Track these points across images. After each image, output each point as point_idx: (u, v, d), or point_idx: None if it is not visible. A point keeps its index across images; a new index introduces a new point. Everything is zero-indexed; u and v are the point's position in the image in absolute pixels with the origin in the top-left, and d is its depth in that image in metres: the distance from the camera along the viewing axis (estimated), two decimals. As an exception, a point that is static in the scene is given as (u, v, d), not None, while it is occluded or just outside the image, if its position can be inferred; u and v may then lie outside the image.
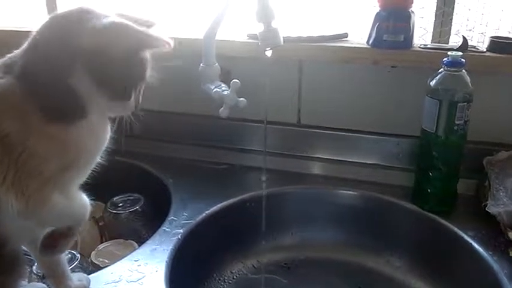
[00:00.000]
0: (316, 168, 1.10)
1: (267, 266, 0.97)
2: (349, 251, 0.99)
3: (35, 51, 0.56)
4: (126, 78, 0.59)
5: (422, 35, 1.12)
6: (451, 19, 1.07)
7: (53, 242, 0.63)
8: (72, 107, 0.56)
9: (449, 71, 0.87)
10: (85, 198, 0.63)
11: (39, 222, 0.59)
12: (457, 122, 0.87)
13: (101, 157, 0.64)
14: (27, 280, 0.75)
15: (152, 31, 0.59)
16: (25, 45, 0.58)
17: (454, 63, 0.86)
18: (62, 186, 0.58)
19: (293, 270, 0.98)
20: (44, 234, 0.63)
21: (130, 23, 0.57)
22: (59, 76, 0.55)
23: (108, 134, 0.63)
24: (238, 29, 1.09)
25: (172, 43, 0.58)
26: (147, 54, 0.60)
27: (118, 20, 0.57)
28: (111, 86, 0.57)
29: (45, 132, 0.54)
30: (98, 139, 0.61)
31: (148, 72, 0.61)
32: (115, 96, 0.59)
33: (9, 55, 0.58)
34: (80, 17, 0.56)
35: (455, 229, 0.89)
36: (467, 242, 0.86)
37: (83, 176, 0.63)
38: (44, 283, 0.75)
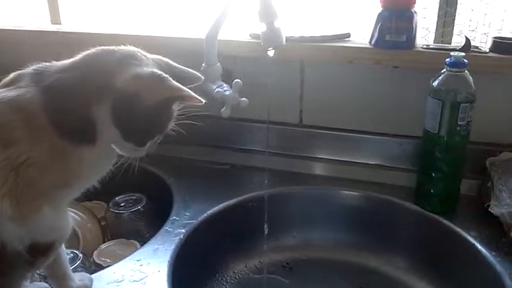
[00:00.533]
0: (318, 169, 1.10)
1: (269, 266, 0.97)
2: (351, 251, 0.99)
3: (72, 71, 0.59)
4: (147, 128, 0.60)
5: (425, 36, 1.11)
6: (454, 20, 1.07)
7: (31, 259, 0.62)
8: (84, 131, 0.58)
9: (451, 71, 0.86)
10: (70, 218, 0.65)
11: (27, 231, 0.59)
12: (459, 123, 0.87)
13: (97, 181, 0.65)
14: (29, 280, 0.75)
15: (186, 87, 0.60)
16: (65, 62, 0.61)
17: (457, 64, 0.86)
18: (54, 201, 0.59)
19: (295, 271, 0.97)
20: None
21: (167, 77, 0.59)
22: (85, 101, 0.57)
23: (111, 164, 0.65)
24: (240, 28, 1.09)
25: (204, 101, 0.60)
26: (175, 107, 0.62)
27: (157, 72, 0.59)
28: (130, 130, 0.59)
29: (52, 146, 0.56)
30: (99, 166, 0.63)
31: (171, 125, 0.63)
32: (130, 140, 0.60)
33: (45, 63, 0.60)
34: (125, 58, 0.60)
35: (458, 230, 0.89)
36: (470, 242, 0.86)
37: (76, 195, 0.64)
38: (46, 283, 0.75)
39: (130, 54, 0.61)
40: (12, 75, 0.60)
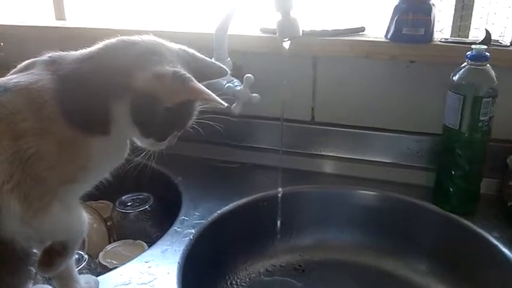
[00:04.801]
0: (331, 167, 1.07)
1: (281, 269, 0.94)
2: (367, 253, 0.96)
3: (90, 62, 0.56)
4: (166, 126, 0.59)
5: (441, 30, 1.08)
6: (471, 13, 1.04)
7: (48, 260, 0.61)
8: (99, 122, 0.55)
9: (473, 65, 0.83)
10: (84, 215, 0.62)
11: (37, 231, 0.56)
12: (481, 118, 0.84)
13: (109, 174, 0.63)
14: (32, 282, 0.72)
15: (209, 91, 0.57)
16: (82, 52, 0.58)
17: (479, 57, 0.83)
18: (64, 197, 0.56)
19: (308, 273, 0.94)
20: (40, 252, 0.61)
21: (189, 77, 0.56)
22: (102, 94, 0.55)
23: (123, 157, 0.63)
24: (250, 23, 1.07)
25: (226, 105, 0.57)
26: (197, 104, 0.60)
27: (179, 72, 0.56)
28: (148, 128, 0.57)
29: (62, 138, 0.53)
30: (112, 158, 0.61)
31: (192, 120, 0.61)
32: (149, 136, 0.59)
33: (61, 52, 0.58)
34: (145, 54, 0.57)
35: (479, 230, 0.85)
36: (492, 243, 0.83)
37: (87, 189, 0.61)
38: (50, 285, 0.72)
39: (151, 49, 0.58)
40: (26, 61, 0.58)
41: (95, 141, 0.56)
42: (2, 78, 0.56)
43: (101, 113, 0.55)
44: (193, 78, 0.56)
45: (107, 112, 0.55)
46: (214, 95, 0.56)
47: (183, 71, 0.56)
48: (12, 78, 0.55)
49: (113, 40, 0.59)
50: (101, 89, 0.55)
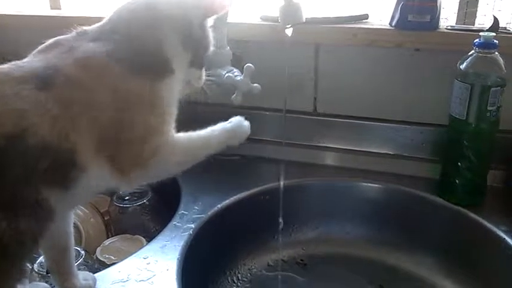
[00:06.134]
0: (334, 159, 1.04)
1: (283, 263, 0.92)
2: (370, 247, 0.94)
3: (124, 22, 0.60)
4: (201, 44, 0.66)
5: (445, 17, 1.05)
6: (478, 0, 1.01)
7: None
8: (163, 65, 0.59)
9: (481, 53, 0.81)
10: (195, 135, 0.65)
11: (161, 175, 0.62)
12: (489, 108, 0.81)
13: None
14: (28, 280, 0.70)
15: None
16: (100, 23, 0.60)
17: (487, 45, 0.80)
18: (163, 137, 0.57)
19: (310, 268, 0.92)
20: None
21: None
22: (152, 39, 0.59)
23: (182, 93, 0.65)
24: (250, 10, 1.04)
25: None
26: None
27: None
28: (191, 50, 0.63)
29: (132, 94, 0.55)
30: (178, 92, 0.63)
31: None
32: (194, 64, 0.65)
33: (83, 27, 0.59)
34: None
35: (486, 223, 0.83)
36: (499, 237, 0.81)
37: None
38: (46, 282, 0.70)
39: None
40: (48, 42, 0.57)
41: (164, 84, 0.58)
42: (37, 60, 0.54)
43: (160, 55, 0.59)
44: None
45: (164, 51, 0.59)
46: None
47: None
48: (47, 58, 0.54)
49: (117, 9, 0.61)
50: (152, 34, 0.59)
